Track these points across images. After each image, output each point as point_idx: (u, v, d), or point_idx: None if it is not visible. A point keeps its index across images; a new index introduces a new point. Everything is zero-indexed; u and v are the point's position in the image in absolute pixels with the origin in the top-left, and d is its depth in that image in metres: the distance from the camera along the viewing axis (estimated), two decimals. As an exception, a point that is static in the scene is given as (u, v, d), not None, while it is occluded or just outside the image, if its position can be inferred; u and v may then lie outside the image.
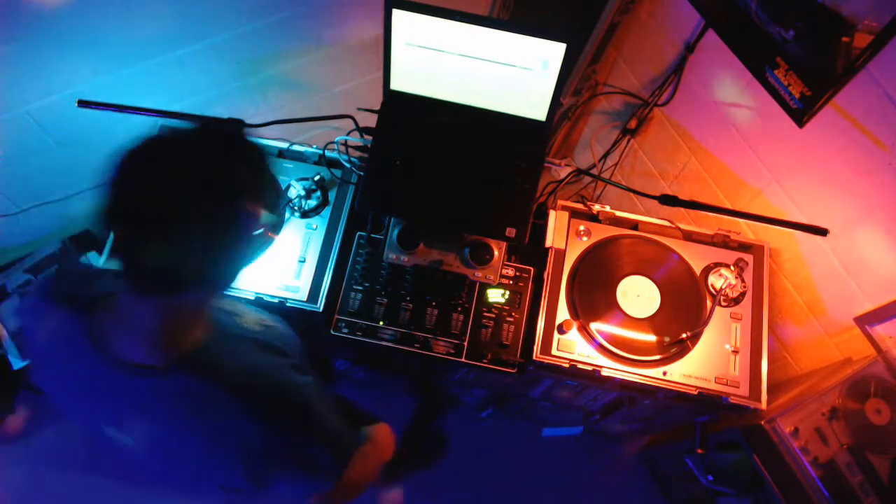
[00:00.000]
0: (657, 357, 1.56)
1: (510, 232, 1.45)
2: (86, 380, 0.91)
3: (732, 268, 1.63)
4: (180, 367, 0.87)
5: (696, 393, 1.54)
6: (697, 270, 1.65)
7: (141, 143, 0.80)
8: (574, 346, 1.57)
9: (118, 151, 0.80)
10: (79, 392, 0.96)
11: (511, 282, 1.64)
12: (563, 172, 1.91)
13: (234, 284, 0.92)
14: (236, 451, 0.91)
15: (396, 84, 1.50)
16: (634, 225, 1.71)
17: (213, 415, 0.89)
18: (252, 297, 1.55)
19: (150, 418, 0.92)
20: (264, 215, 0.86)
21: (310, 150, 1.71)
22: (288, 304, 1.55)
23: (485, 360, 1.59)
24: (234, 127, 0.83)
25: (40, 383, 1.00)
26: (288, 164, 1.70)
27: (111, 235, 0.78)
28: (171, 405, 0.89)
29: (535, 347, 1.56)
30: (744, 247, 1.70)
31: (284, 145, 1.72)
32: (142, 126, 1.72)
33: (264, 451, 0.91)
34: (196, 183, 0.76)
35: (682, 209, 1.64)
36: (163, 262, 0.77)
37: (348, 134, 1.64)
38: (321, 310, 1.55)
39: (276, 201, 0.86)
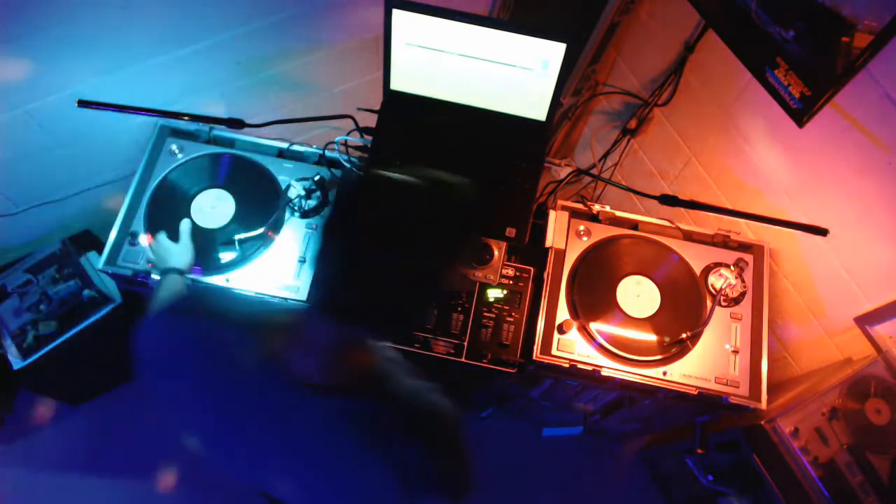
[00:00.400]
0: (657, 357, 1.56)
1: (510, 232, 1.45)
2: (249, 394, 0.91)
3: (732, 268, 1.63)
4: (351, 387, 0.88)
5: (696, 393, 1.54)
6: (697, 270, 1.65)
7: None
8: (574, 346, 1.57)
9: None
10: (233, 404, 0.94)
11: (511, 282, 1.64)
12: (563, 172, 1.91)
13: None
14: (394, 471, 0.90)
15: (396, 84, 1.50)
16: (634, 225, 1.71)
17: (377, 434, 0.89)
18: (252, 297, 1.55)
19: (311, 436, 0.91)
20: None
21: (310, 150, 1.71)
22: (288, 304, 1.55)
23: (485, 360, 1.59)
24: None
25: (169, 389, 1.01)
26: (288, 164, 1.70)
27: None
28: (333, 422, 0.89)
29: (535, 347, 1.56)
30: (744, 247, 1.70)
31: (284, 145, 1.72)
32: (142, 126, 1.74)
33: (421, 470, 0.91)
34: None
35: (682, 209, 1.64)
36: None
37: (348, 134, 1.64)
38: (321, 310, 1.55)
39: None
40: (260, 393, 0.90)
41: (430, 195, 0.83)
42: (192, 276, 1.53)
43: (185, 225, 1.50)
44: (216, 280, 1.56)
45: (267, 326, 0.92)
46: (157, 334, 0.98)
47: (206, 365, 0.93)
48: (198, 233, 1.53)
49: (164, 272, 1.39)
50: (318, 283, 0.87)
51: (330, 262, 0.84)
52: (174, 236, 1.48)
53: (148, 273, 1.56)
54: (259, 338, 0.90)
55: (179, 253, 1.44)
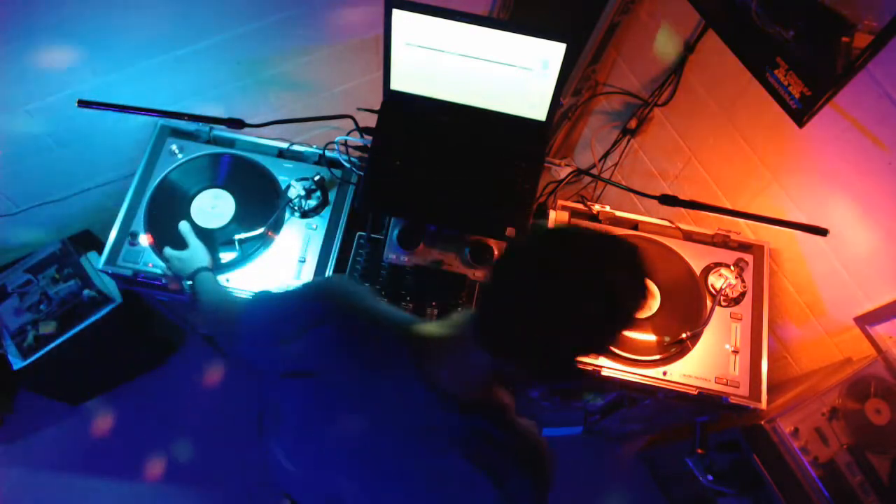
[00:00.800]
0: (657, 357, 1.56)
1: (510, 232, 1.45)
2: (390, 404, 0.92)
3: (732, 268, 1.63)
4: (484, 409, 0.90)
5: (696, 393, 1.54)
6: (697, 270, 1.65)
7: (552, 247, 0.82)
8: (574, 346, 1.57)
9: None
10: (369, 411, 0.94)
11: (511, 282, 1.64)
12: (563, 172, 1.91)
13: None
14: (504, 501, 0.90)
15: (396, 84, 1.50)
16: (634, 225, 1.71)
17: (497, 460, 0.90)
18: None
19: (431, 453, 0.92)
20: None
21: (310, 150, 1.71)
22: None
23: (485, 360, 1.58)
24: (633, 249, 0.85)
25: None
26: (288, 164, 1.70)
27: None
28: (459, 442, 0.90)
29: (535, 347, 1.56)
30: (744, 247, 1.70)
31: (284, 145, 1.72)
32: (142, 126, 1.74)
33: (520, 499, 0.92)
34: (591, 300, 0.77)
35: (682, 209, 1.64)
36: (529, 347, 0.81)
37: (348, 134, 1.64)
38: (321, 310, 1.55)
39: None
40: (388, 398, 0.91)
41: None
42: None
43: (184, 227, 1.51)
44: (216, 280, 1.56)
45: (423, 336, 0.93)
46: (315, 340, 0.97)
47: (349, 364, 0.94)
48: (197, 229, 1.53)
49: (193, 276, 1.39)
50: (487, 326, 0.85)
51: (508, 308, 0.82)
52: (179, 244, 1.49)
53: (159, 278, 1.56)
54: (414, 345, 0.91)
55: (195, 254, 1.45)
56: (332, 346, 0.95)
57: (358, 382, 0.93)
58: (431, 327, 0.95)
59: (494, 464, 0.89)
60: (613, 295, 0.78)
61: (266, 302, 1.09)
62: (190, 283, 1.40)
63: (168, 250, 1.48)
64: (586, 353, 0.87)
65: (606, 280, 0.78)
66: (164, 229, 1.60)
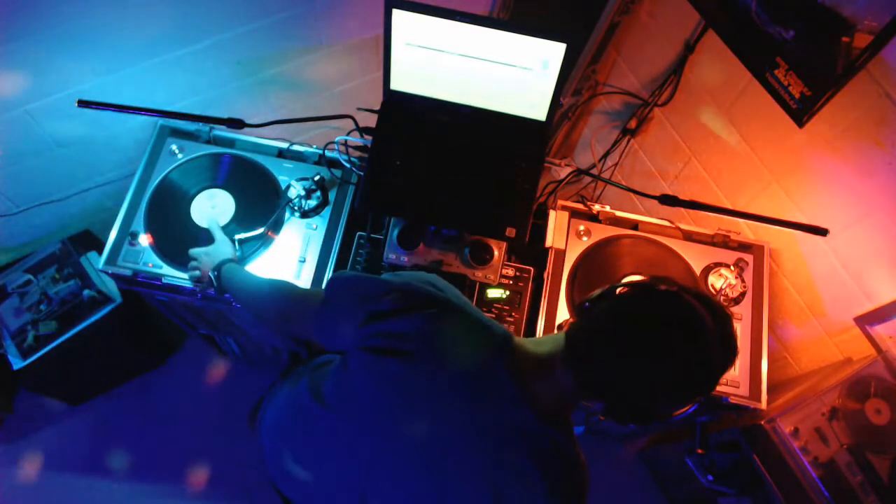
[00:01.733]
0: (657, 357, 1.56)
1: (510, 232, 1.45)
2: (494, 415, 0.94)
3: (732, 268, 1.63)
4: (551, 423, 0.92)
5: (696, 393, 1.54)
6: (697, 270, 1.65)
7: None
8: (574, 346, 1.57)
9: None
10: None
11: (511, 282, 1.64)
12: (563, 172, 1.91)
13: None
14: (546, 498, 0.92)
15: (396, 84, 1.50)
16: (634, 225, 1.71)
17: (550, 466, 0.92)
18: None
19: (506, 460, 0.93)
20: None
21: (310, 150, 1.71)
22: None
23: (485, 360, 1.58)
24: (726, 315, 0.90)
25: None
26: (288, 164, 1.70)
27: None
28: (530, 444, 0.92)
29: (535, 347, 1.56)
30: (744, 247, 1.70)
31: (284, 145, 1.72)
32: (142, 126, 1.74)
33: None
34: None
35: (682, 209, 1.64)
36: (625, 393, 0.86)
37: (348, 134, 1.64)
38: (321, 310, 1.55)
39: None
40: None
41: None
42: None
43: (213, 222, 1.56)
44: (216, 280, 1.56)
45: (518, 348, 0.97)
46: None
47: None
48: (197, 229, 1.53)
49: (220, 267, 1.40)
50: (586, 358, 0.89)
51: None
52: (181, 243, 1.49)
53: (157, 276, 1.57)
54: (508, 356, 0.94)
55: (221, 247, 1.48)
56: (438, 334, 0.97)
57: (448, 376, 0.95)
58: (527, 343, 0.99)
59: (554, 472, 0.91)
60: (709, 353, 0.82)
61: (350, 279, 1.10)
62: (216, 273, 1.40)
63: (193, 249, 1.48)
64: (673, 410, 0.92)
65: (708, 340, 0.82)
66: (164, 229, 1.60)
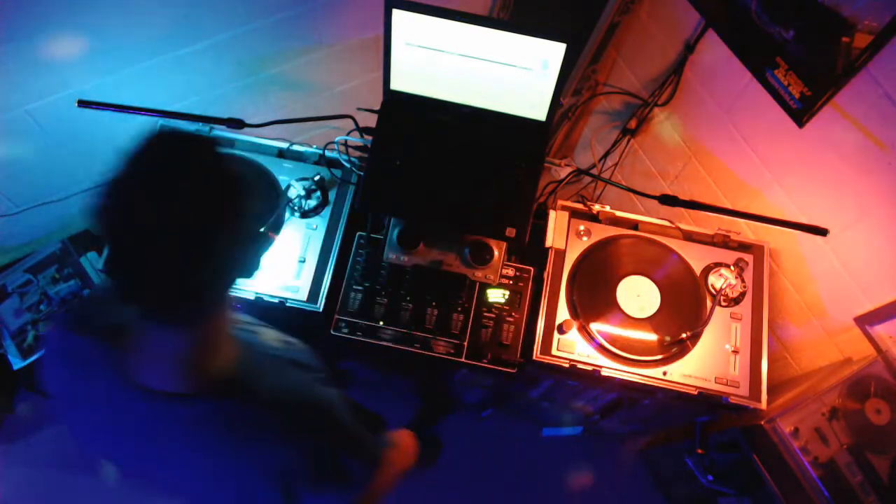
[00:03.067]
0: (657, 357, 1.56)
1: (510, 232, 1.45)
2: (111, 411, 0.89)
3: (732, 268, 1.63)
4: (211, 392, 0.85)
5: (696, 393, 1.54)
6: (697, 270, 1.65)
7: (119, 171, 0.77)
8: (574, 346, 1.57)
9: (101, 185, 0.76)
10: (102, 423, 0.93)
11: (511, 282, 1.64)
12: (563, 172, 1.91)
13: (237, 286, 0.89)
14: (270, 471, 0.89)
15: (396, 84, 1.50)
16: (634, 225, 1.71)
17: (246, 437, 0.87)
18: (252, 298, 1.55)
19: (179, 447, 0.89)
20: (258, 214, 0.82)
21: (310, 150, 1.71)
22: (288, 305, 1.55)
23: (485, 360, 1.59)
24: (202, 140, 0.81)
25: (61, 413, 0.97)
26: (288, 164, 1.70)
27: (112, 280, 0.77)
28: (203, 431, 0.86)
29: (534, 347, 1.56)
30: (744, 247, 1.70)
31: (284, 145, 1.72)
32: (142, 126, 1.74)
33: (299, 467, 0.89)
34: (181, 202, 0.72)
35: (682, 209, 1.64)
36: (173, 287, 0.74)
37: (348, 134, 1.64)
38: (321, 310, 1.55)
39: (264, 200, 0.81)
40: (119, 409, 0.87)
41: None
42: None
43: None
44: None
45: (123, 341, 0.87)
46: None
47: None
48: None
49: None
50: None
51: None
52: None
53: None
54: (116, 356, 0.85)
55: None
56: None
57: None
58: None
59: (248, 443, 0.86)
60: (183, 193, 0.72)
61: None
62: None
63: None
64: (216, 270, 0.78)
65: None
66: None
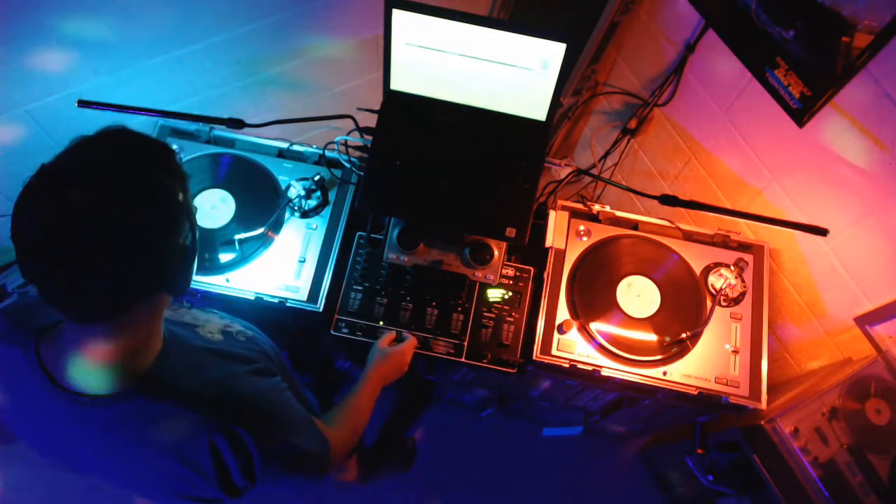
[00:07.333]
0: (657, 357, 1.56)
1: (510, 232, 1.45)
2: (42, 417, 0.91)
3: (732, 268, 1.63)
4: (138, 392, 0.86)
5: (696, 393, 1.54)
6: (697, 270, 1.65)
7: (34, 177, 0.79)
8: (574, 346, 1.57)
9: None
10: (42, 431, 0.96)
11: (511, 282, 1.64)
12: (563, 172, 1.90)
13: (189, 287, 0.89)
14: (195, 463, 0.88)
15: (396, 84, 1.51)
16: (634, 225, 1.71)
17: (179, 434, 0.87)
18: (252, 298, 1.55)
19: (110, 449, 0.90)
20: (175, 215, 0.82)
21: (310, 150, 1.71)
22: (288, 304, 1.55)
23: (485, 360, 1.59)
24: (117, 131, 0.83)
25: (9, 424, 1.00)
26: (288, 164, 1.70)
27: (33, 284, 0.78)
28: (132, 431, 0.87)
29: (535, 347, 1.56)
30: (744, 247, 1.70)
31: (284, 145, 1.72)
32: (142, 126, 1.74)
33: (231, 457, 0.89)
34: (95, 203, 0.73)
35: (682, 209, 1.64)
36: (90, 288, 0.75)
37: (348, 134, 1.64)
38: (321, 310, 1.55)
39: (176, 199, 0.80)
40: (49, 414, 0.89)
41: None
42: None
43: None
44: (216, 280, 1.56)
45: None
46: None
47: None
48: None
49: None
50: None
51: None
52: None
53: None
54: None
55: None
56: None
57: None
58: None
59: (183, 440, 0.86)
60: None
61: None
62: None
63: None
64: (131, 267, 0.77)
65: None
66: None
